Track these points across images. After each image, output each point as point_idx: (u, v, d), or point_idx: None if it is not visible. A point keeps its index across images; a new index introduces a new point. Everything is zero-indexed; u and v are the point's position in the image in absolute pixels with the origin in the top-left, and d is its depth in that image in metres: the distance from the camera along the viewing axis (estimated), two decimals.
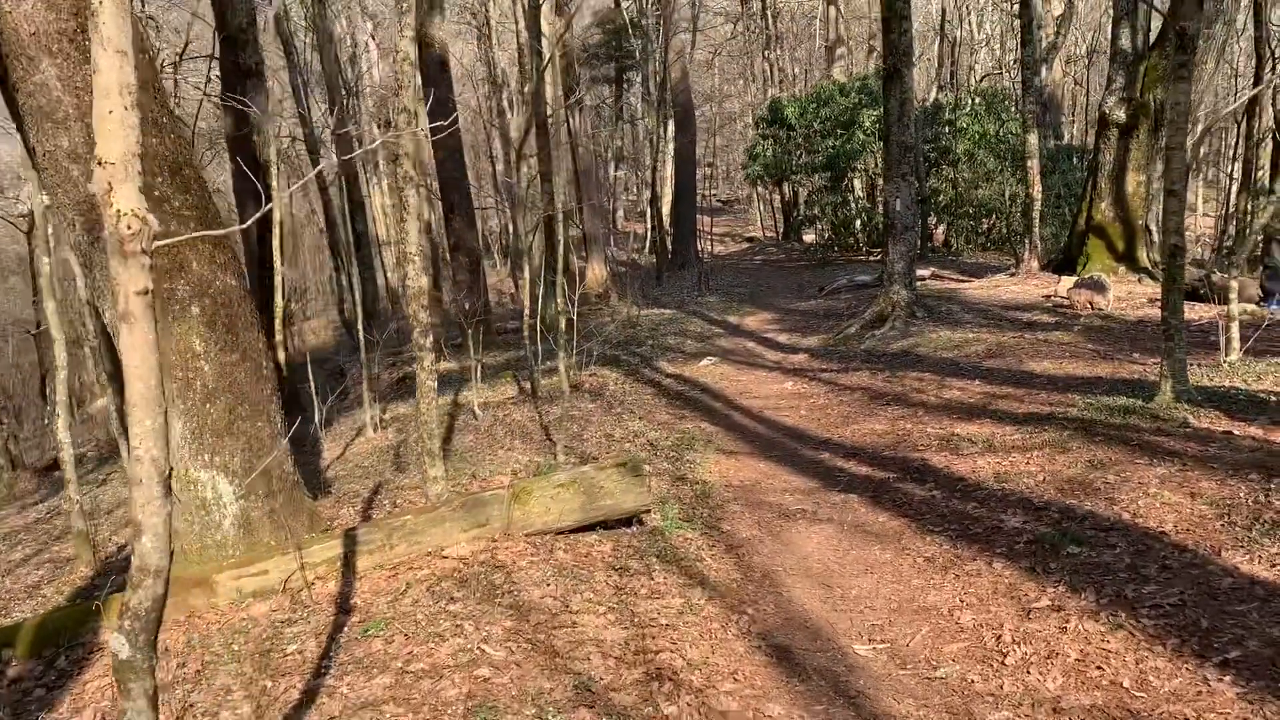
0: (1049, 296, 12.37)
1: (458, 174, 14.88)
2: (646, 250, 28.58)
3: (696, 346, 12.56)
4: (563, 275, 9.52)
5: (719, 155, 50.15)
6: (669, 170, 25.57)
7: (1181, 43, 5.02)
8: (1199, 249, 20.35)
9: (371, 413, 9.66)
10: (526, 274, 11.11)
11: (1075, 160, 20.21)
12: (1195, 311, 10.68)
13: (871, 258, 21.05)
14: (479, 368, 11.56)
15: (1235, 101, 19.71)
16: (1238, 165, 17.87)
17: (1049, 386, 7.06)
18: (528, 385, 10.37)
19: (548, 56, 15.04)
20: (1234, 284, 6.41)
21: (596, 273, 18.65)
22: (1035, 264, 14.55)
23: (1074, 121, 30.01)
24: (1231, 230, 16.38)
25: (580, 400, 9.16)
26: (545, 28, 20.05)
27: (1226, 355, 6.40)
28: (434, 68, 15.12)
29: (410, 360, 16.11)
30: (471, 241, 17.12)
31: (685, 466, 6.47)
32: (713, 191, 48.88)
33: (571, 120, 18.77)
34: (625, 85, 38.93)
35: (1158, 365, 7.00)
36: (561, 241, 10.01)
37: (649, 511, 5.17)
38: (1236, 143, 16.68)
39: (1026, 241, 14.84)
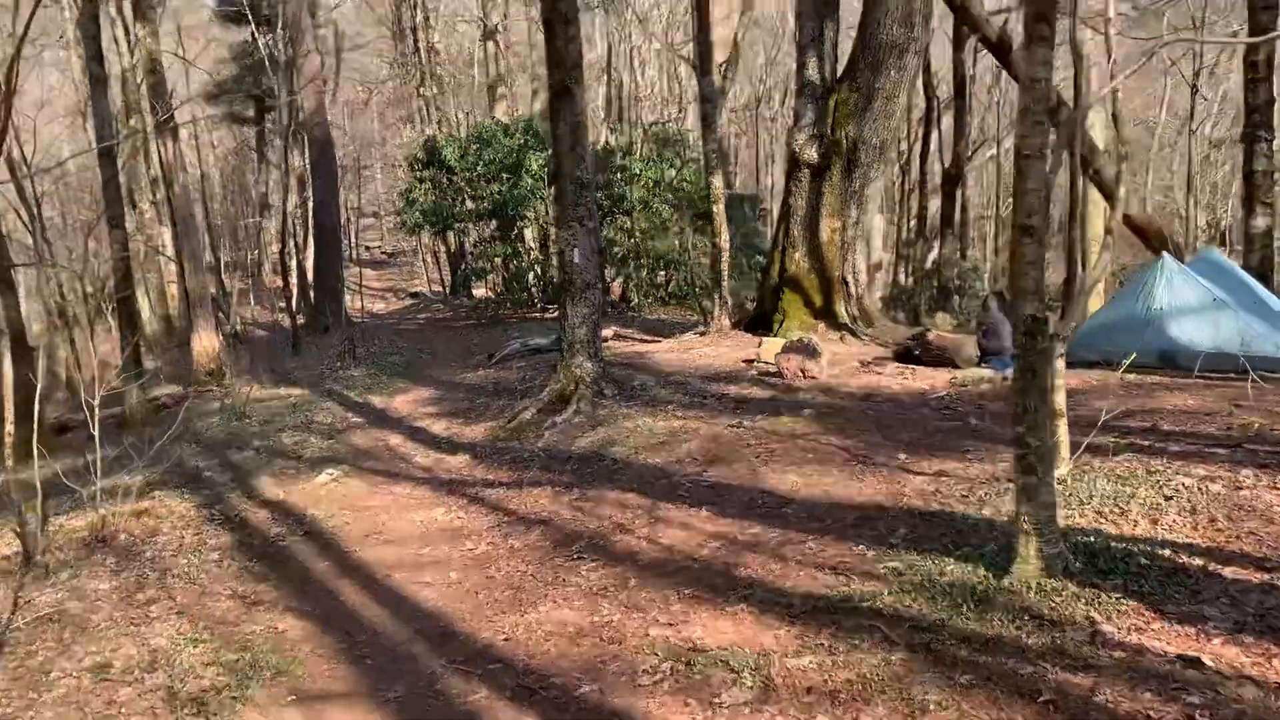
0: (751, 362, 10.60)
1: None
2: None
3: (321, 447, 9.24)
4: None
5: (382, 204, 46.21)
6: (308, 216, 21.67)
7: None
8: (872, 291, 20.22)
9: None
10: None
11: (749, 210, 19.40)
12: (918, 379, 9.23)
13: (547, 315, 18.77)
14: None
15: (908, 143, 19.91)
16: (907, 208, 17.83)
17: (813, 523, 4.78)
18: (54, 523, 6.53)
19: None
20: (1059, 362, 4.48)
21: (205, 344, 14.51)
22: (726, 321, 12.90)
23: (736, 173, 30.15)
24: (904, 277, 16.01)
25: (95, 574, 5.60)
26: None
27: (1055, 466, 4.43)
28: None
29: None
30: (11, 311, 12.42)
31: None
32: (377, 243, 44.90)
33: (164, 150, 14.60)
34: (270, 124, 34.65)
35: (946, 479, 4.97)
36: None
37: None
38: (904, 184, 16.46)
39: (715, 297, 13.19)
